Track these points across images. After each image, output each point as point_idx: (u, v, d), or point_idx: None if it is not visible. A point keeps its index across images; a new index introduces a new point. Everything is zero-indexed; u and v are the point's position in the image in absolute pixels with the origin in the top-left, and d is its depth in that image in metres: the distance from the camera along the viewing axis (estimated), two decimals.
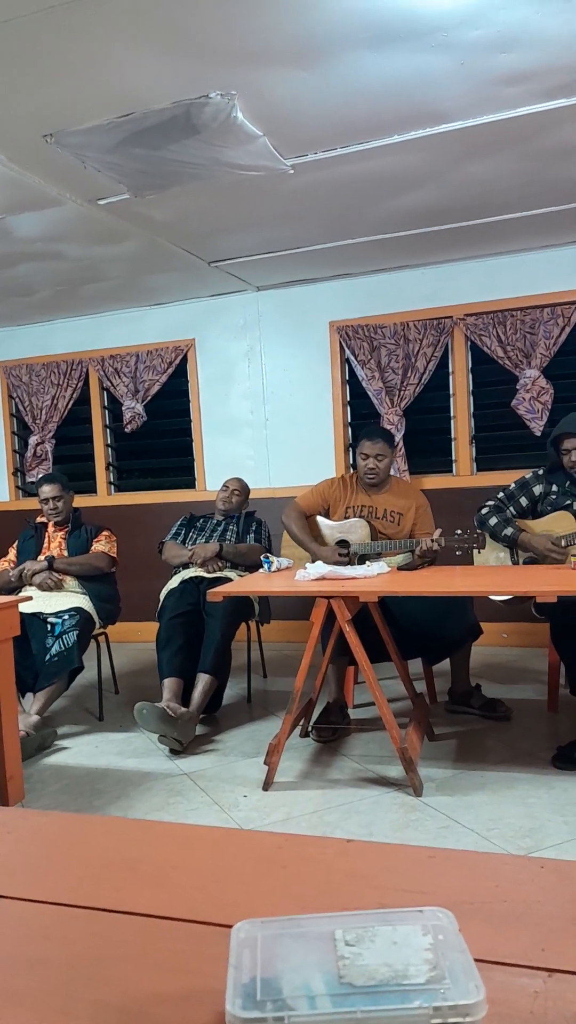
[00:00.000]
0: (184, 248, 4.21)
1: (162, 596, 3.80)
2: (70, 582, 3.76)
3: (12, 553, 3.97)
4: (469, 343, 4.81)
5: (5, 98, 2.52)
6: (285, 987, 0.60)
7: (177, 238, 4.06)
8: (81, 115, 2.66)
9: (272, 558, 3.37)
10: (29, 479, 5.71)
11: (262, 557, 3.40)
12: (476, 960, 0.60)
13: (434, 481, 4.85)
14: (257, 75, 2.47)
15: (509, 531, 3.22)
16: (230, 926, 0.66)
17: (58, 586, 3.70)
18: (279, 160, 3.08)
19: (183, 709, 3.23)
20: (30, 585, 3.71)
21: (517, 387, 4.60)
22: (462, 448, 4.91)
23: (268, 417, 5.27)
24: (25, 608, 3.33)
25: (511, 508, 3.33)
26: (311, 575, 2.91)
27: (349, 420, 5.15)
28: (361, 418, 5.07)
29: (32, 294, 4.91)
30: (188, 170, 3.12)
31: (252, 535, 4.03)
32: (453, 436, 4.93)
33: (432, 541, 3.16)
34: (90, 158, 2.98)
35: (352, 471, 3.83)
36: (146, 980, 0.65)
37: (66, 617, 3.55)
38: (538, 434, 4.57)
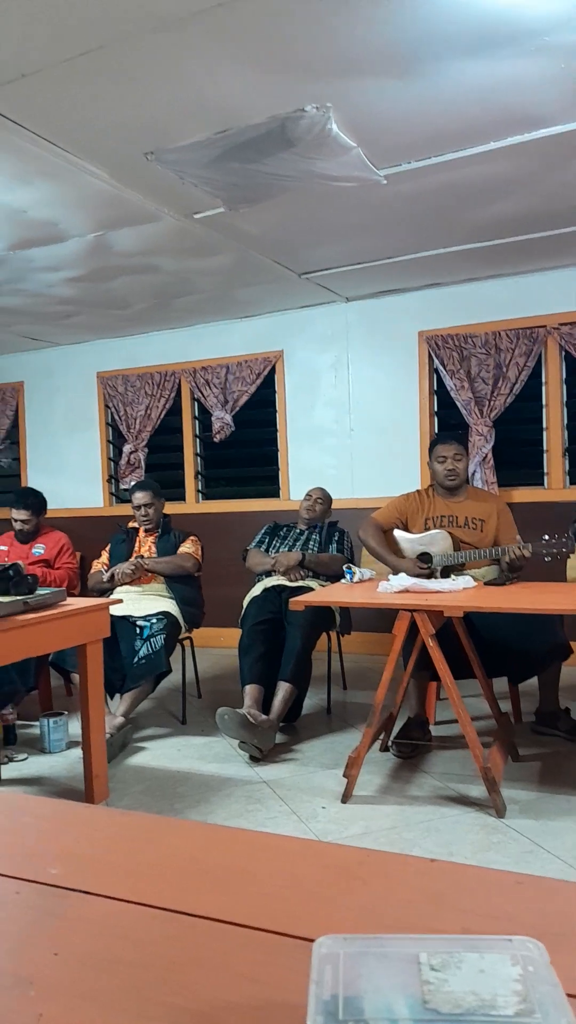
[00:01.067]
0: (275, 260, 4.26)
1: (245, 603, 3.83)
2: (158, 586, 3.84)
3: (105, 556, 4.09)
4: (563, 353, 4.66)
5: (109, 118, 2.61)
6: (367, 1007, 0.58)
7: (268, 250, 4.10)
8: (180, 132, 2.73)
9: (354, 569, 3.35)
10: (122, 486, 5.88)
11: (344, 567, 3.39)
12: (569, 995, 0.57)
13: (524, 494, 4.72)
14: (352, 86, 2.47)
15: None
16: (309, 939, 0.65)
17: (140, 573, 3.79)
18: (372, 170, 3.08)
19: (263, 716, 3.24)
20: (121, 586, 3.81)
21: None
22: (554, 460, 4.75)
23: (353, 427, 5.26)
24: (115, 611, 3.42)
25: None
26: (394, 587, 2.87)
27: (436, 430, 5.08)
28: (449, 428, 4.99)
29: (128, 307, 5.07)
30: (281, 182, 3.15)
31: (335, 545, 4.02)
32: (545, 448, 4.78)
33: (520, 548, 3.08)
34: (187, 174, 3.05)
35: (430, 485, 3.76)
36: (222, 987, 0.65)
37: (154, 621, 3.63)
38: None
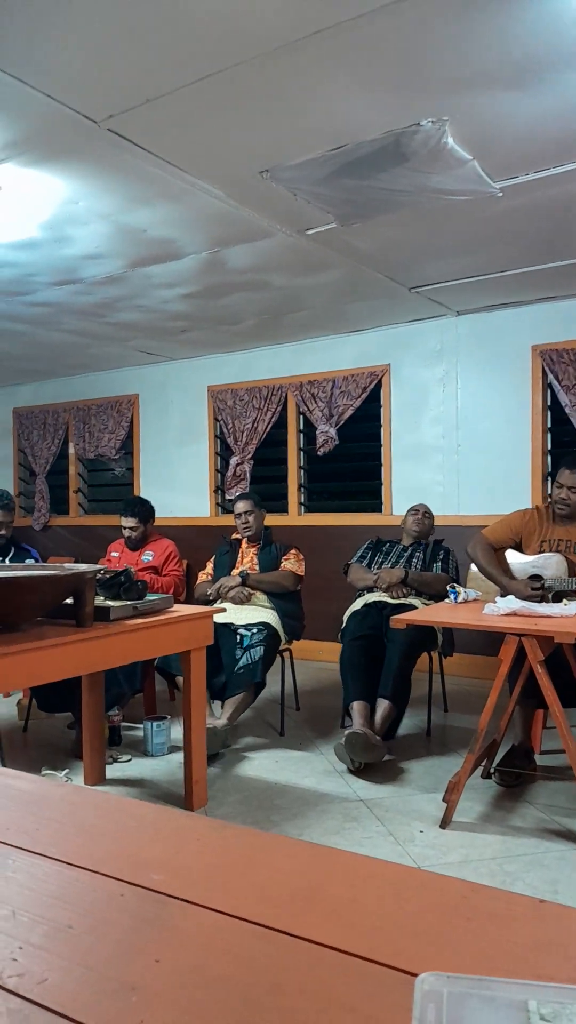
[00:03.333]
0: (385, 274, 4.24)
1: (345, 618, 3.81)
2: (260, 597, 3.88)
3: (210, 567, 4.18)
4: None
5: (226, 139, 2.69)
6: None
7: (379, 265, 4.10)
8: (296, 150, 2.77)
9: (459, 588, 3.27)
10: (228, 497, 5.99)
11: (448, 587, 3.31)
12: None
13: None
14: (469, 99, 2.44)
15: None
16: (410, 973, 0.63)
17: (248, 599, 3.84)
18: (488, 183, 3.02)
19: (375, 736, 3.20)
20: (225, 599, 3.88)
21: None
22: None
23: (460, 443, 5.15)
24: (217, 618, 3.48)
25: None
26: (501, 610, 2.79)
27: (549, 448, 4.91)
28: (562, 446, 4.82)
29: (239, 322, 5.18)
30: (395, 197, 3.14)
31: (439, 564, 3.95)
32: None
33: None
34: (301, 191, 3.09)
35: (547, 502, 3.62)
36: (320, 1014, 0.63)
37: (255, 631, 3.67)
38: None
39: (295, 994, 0.66)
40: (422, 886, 0.85)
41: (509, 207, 3.28)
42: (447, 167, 2.88)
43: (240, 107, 2.48)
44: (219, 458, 6.28)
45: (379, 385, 5.45)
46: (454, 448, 5.18)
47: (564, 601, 2.98)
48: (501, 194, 3.12)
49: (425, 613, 3.23)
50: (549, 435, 4.91)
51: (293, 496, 5.89)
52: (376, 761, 3.16)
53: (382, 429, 5.48)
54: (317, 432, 5.59)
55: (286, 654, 3.93)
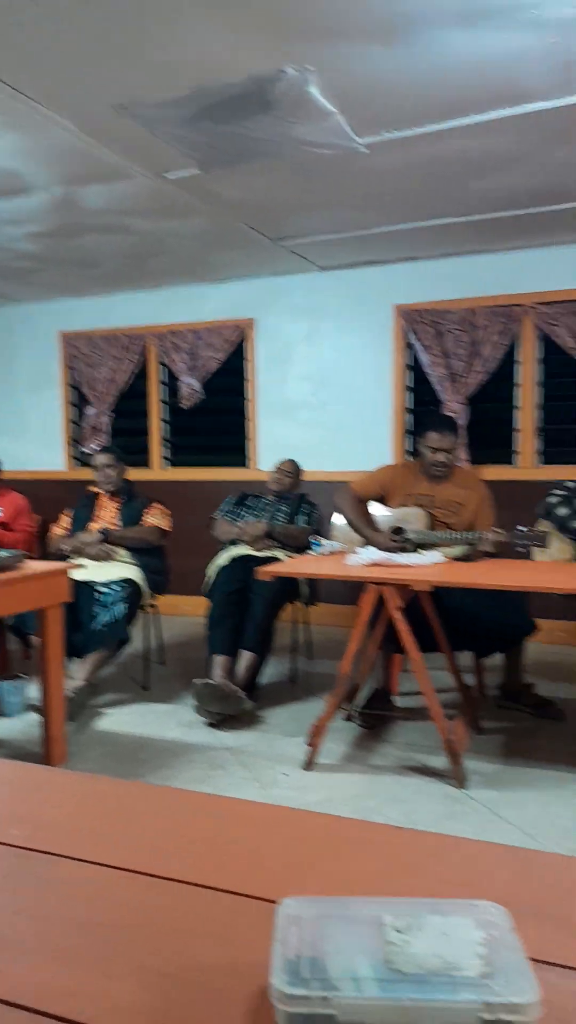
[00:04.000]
0: (250, 225, 4.18)
1: (210, 572, 3.82)
2: (122, 553, 3.81)
3: (66, 520, 4.04)
4: (540, 332, 4.68)
5: (78, 69, 2.52)
6: (331, 967, 0.58)
7: (243, 215, 4.03)
8: (154, 87, 2.64)
9: (322, 540, 3.35)
10: (85, 450, 5.79)
11: (311, 539, 3.39)
12: (530, 959, 0.58)
13: (494, 472, 4.75)
14: (335, 50, 2.41)
15: None
16: (273, 901, 0.65)
17: (109, 557, 3.76)
18: (353, 139, 3.02)
19: (232, 687, 3.24)
20: (84, 556, 3.77)
21: None
22: (526, 440, 4.79)
23: (325, 400, 5.23)
24: (77, 576, 3.38)
25: None
26: (363, 560, 2.88)
27: (410, 406, 5.08)
28: (422, 404, 4.99)
29: (97, 266, 4.95)
30: (258, 146, 3.09)
31: (303, 517, 4.02)
32: (517, 427, 4.81)
33: (495, 533, 3.08)
34: (160, 131, 2.97)
35: (413, 459, 3.75)
36: (191, 948, 0.64)
37: (116, 588, 3.60)
38: None
39: (162, 932, 0.66)
40: (284, 822, 0.88)
41: (374, 165, 3.30)
42: (311, 118, 2.86)
43: (91, 36, 2.33)
44: (75, 409, 6.04)
45: (244, 338, 5.41)
46: (319, 404, 5.25)
47: (422, 551, 3.13)
48: (367, 151, 3.13)
49: (289, 565, 3.29)
50: (410, 393, 5.08)
51: (156, 450, 5.78)
52: (234, 712, 3.20)
53: (247, 383, 5.46)
54: (180, 384, 5.49)
55: (150, 609, 3.89)
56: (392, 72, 2.55)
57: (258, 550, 3.80)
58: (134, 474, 4.39)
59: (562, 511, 3.16)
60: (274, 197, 3.74)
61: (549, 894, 0.73)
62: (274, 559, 3.68)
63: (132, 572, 3.72)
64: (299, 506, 4.08)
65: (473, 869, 0.78)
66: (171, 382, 5.69)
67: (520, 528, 3.03)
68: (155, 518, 3.94)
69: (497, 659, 3.43)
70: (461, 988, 0.56)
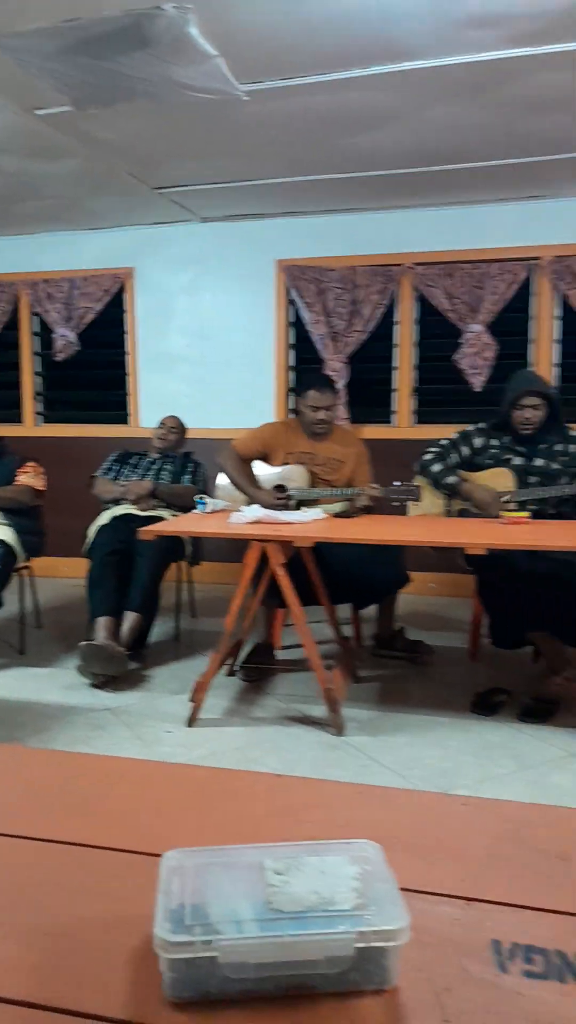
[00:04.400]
0: (127, 171, 4.02)
1: (91, 533, 3.73)
2: None
3: None
4: (417, 293, 4.78)
5: None
6: (213, 913, 0.60)
7: (121, 159, 3.86)
8: (21, 15, 2.46)
9: (207, 499, 3.34)
10: None
11: (196, 498, 3.37)
12: (401, 889, 0.61)
13: (373, 431, 4.87)
14: None
15: (452, 479, 3.25)
16: (156, 855, 0.65)
17: None
18: (233, 85, 2.94)
19: (118, 648, 3.20)
20: None
21: (461, 341, 4.62)
22: (403, 399, 4.92)
23: (207, 355, 5.16)
24: None
25: (452, 456, 3.35)
26: (246, 518, 2.90)
27: (293, 364, 5.09)
28: (304, 362, 5.02)
29: None
30: (135, 86, 2.95)
31: (188, 476, 3.98)
32: (395, 387, 4.93)
33: (371, 488, 3.20)
34: (30, 63, 2.78)
35: (293, 416, 3.78)
36: (75, 905, 0.65)
37: None
38: (478, 390, 4.62)
39: (47, 892, 0.66)
40: (165, 777, 0.89)
41: (255, 113, 3.23)
42: (190, 60, 2.75)
43: None
44: None
45: (122, 289, 5.23)
46: (200, 359, 5.17)
47: (303, 509, 3.18)
48: (247, 98, 3.06)
49: (174, 523, 3.26)
50: (293, 351, 5.09)
51: (29, 405, 5.52)
52: (119, 673, 3.18)
53: (127, 336, 5.29)
54: (55, 336, 5.25)
55: (25, 572, 3.76)
56: (274, 18, 2.50)
57: (142, 510, 3.73)
58: (5, 430, 4.19)
59: (436, 467, 3.29)
60: (152, 141, 3.60)
61: (418, 828, 0.78)
62: (158, 519, 3.63)
63: (5, 533, 3.58)
64: (184, 465, 4.03)
65: (349, 811, 0.82)
66: (44, 333, 5.43)
67: (396, 483, 3.15)
68: (28, 477, 3.77)
69: (373, 611, 3.56)
70: (337, 920, 0.59)
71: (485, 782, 2.38)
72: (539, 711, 2.85)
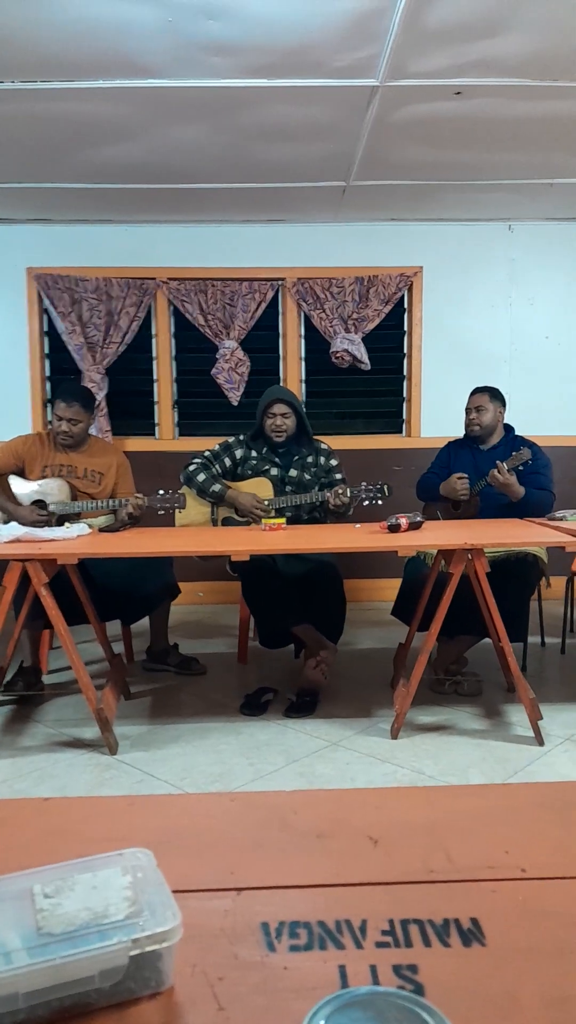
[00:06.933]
0: None
1: None
2: None
3: None
4: (172, 307, 4.84)
5: None
6: None
7: None
8: None
9: None
10: None
11: None
12: (173, 891, 0.64)
13: (137, 443, 4.84)
14: None
15: (217, 487, 3.34)
16: None
17: None
18: None
19: None
20: None
21: (217, 356, 4.74)
22: (164, 412, 4.95)
23: None
24: None
25: (216, 467, 3.45)
26: (5, 537, 2.75)
27: (48, 374, 4.91)
28: (61, 373, 4.86)
29: None
30: None
31: None
32: (156, 399, 4.95)
33: (136, 497, 3.20)
34: None
35: (49, 428, 3.66)
36: None
37: None
38: (235, 404, 4.77)
39: None
40: None
41: None
42: None
43: None
44: None
45: None
46: None
47: (66, 524, 3.08)
48: None
49: None
50: (48, 361, 4.90)
51: None
52: None
53: None
54: None
55: None
56: (12, 18, 2.42)
57: None
58: None
59: (201, 477, 3.37)
60: None
61: (187, 830, 0.81)
62: None
63: None
64: None
65: (123, 822, 0.83)
66: None
67: (160, 492, 3.19)
68: None
69: (145, 624, 3.54)
70: (111, 933, 0.60)
71: (257, 780, 2.47)
72: (303, 706, 3.02)
